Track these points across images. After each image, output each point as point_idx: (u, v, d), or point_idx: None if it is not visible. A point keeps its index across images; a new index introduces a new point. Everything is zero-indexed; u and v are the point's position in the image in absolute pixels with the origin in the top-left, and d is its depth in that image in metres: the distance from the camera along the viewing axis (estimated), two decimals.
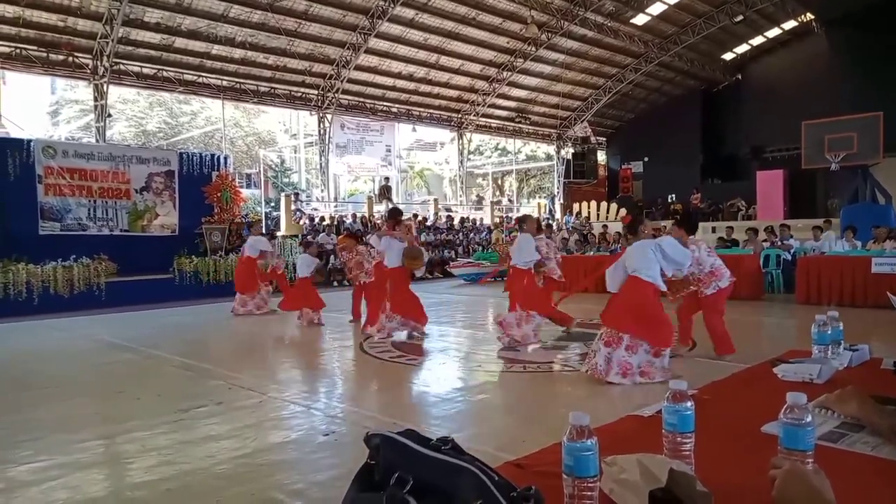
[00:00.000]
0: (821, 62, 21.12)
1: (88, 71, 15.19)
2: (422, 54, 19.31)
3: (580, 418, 1.03)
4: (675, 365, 5.76)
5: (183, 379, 5.99)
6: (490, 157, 33.76)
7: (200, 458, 3.67)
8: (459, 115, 23.20)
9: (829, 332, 2.02)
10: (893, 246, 10.66)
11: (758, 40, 22.48)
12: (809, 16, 20.80)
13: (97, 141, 15.53)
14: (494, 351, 6.79)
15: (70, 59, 14.69)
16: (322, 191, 21.23)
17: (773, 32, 22.04)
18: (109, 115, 16.32)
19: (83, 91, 22.42)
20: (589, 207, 25.17)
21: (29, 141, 12.75)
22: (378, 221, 17.86)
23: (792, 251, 11.89)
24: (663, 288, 5.41)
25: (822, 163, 17.19)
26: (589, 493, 1.02)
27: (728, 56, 23.47)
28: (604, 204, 24.83)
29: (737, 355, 5.73)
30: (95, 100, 15.74)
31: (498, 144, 32.80)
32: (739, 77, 24.14)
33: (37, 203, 12.40)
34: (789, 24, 21.50)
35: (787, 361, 2.03)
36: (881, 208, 15.62)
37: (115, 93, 19.25)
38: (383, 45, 18.33)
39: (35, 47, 14.26)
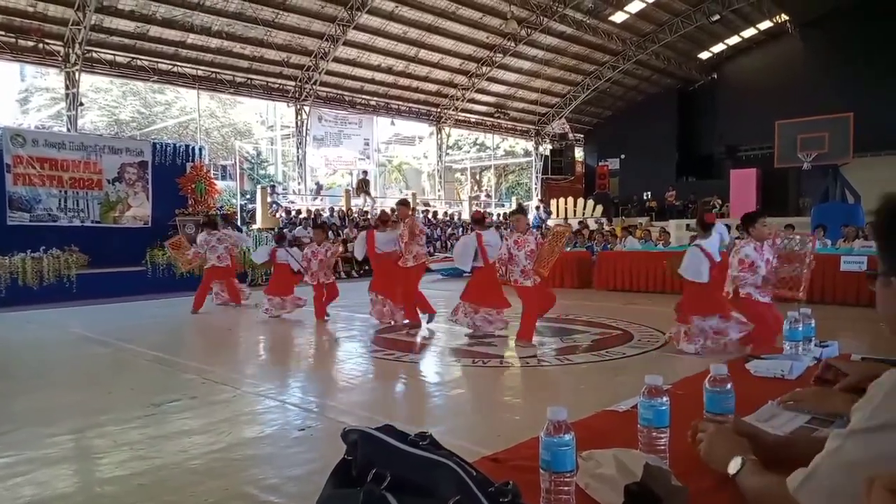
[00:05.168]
0: (794, 63, 21.48)
1: (60, 58, 14.85)
2: (401, 47, 19.23)
3: (558, 413, 1.04)
4: (650, 361, 5.83)
5: (156, 373, 5.91)
6: (468, 152, 33.76)
7: (173, 452, 3.62)
8: (438, 110, 23.16)
9: (801, 328, 2.06)
10: (862, 244, 10.89)
11: (734, 40, 22.79)
12: (784, 17, 21.13)
13: (68, 130, 15.20)
14: (470, 345, 6.81)
15: (40, 45, 14.34)
16: (299, 183, 21.08)
17: (749, 32, 22.36)
18: (81, 104, 15.98)
19: (54, 79, 21.95)
20: (566, 203, 25.29)
21: None
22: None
23: None
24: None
25: (795, 162, 17.52)
26: (565, 488, 1.02)
27: (704, 55, 23.75)
28: (581, 200, 24.98)
29: (710, 351, 5.81)
30: (67, 88, 15.40)
31: (476, 139, 32.80)
32: (715, 76, 24.46)
33: (5, 193, 12.12)
34: (764, 25, 21.82)
35: (759, 357, 2.06)
36: (851, 207, 15.95)
37: (88, 81, 18.84)
38: (362, 37, 18.21)
39: (3, 33, 13.89)
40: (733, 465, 1.07)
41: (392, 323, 8.09)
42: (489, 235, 7.37)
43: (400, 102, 22.11)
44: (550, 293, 7.49)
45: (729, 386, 1.35)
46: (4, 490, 3.14)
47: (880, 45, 18.69)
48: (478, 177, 34.56)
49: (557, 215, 23.68)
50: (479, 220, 7.66)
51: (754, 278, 5.45)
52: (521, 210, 8.24)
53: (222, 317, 9.48)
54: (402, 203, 8.53)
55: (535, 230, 8.21)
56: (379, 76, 20.38)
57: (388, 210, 8.26)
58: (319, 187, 21.69)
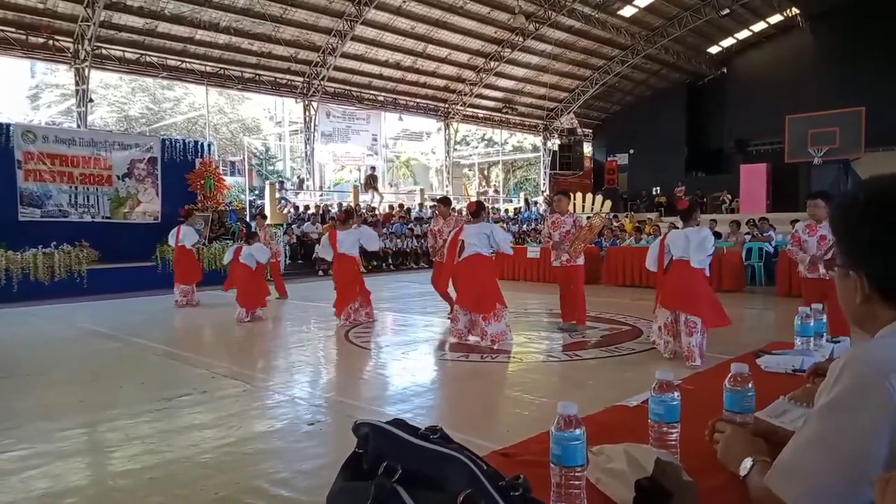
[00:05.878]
0: (805, 57, 21.29)
1: (69, 55, 14.92)
2: (409, 43, 19.19)
3: (568, 408, 1.04)
4: (660, 357, 5.80)
5: (166, 367, 5.95)
6: (477, 147, 33.71)
7: (184, 446, 3.65)
8: (446, 105, 23.12)
9: (812, 324, 2.05)
10: None
11: (743, 34, 22.60)
12: (794, 10, 20.94)
13: (78, 126, 15.28)
14: (479, 341, 6.80)
15: (50, 42, 14.41)
16: (307, 179, 21.11)
17: (759, 26, 22.16)
18: (91, 100, 16.06)
19: (64, 75, 22.08)
20: (574, 199, 25.20)
21: (8, 125, 12.51)
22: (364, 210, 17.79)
23: (774, 244, 12.01)
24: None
25: (805, 157, 17.39)
26: (576, 483, 1.02)
27: (714, 49, 23.57)
28: (589, 195, 24.90)
29: (721, 346, 5.79)
30: (77, 84, 15.49)
31: (485, 135, 32.75)
32: (725, 70, 24.27)
33: (16, 189, 12.20)
34: (775, 19, 21.63)
35: (770, 353, 2.05)
36: None
37: (97, 77, 18.91)
38: (370, 32, 18.19)
39: (14, 29, 13.97)
40: (743, 467, 1.09)
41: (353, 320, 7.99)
42: (473, 229, 6.70)
43: (408, 98, 22.07)
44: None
45: (750, 385, 1.35)
46: (19, 482, 3.17)
47: (892, 38, 18.48)
48: (486, 172, 34.52)
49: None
50: (473, 212, 7.08)
51: (801, 255, 5.61)
52: (564, 191, 8.28)
53: (230, 313, 9.50)
54: (443, 201, 8.44)
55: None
56: (387, 72, 20.35)
57: (354, 206, 7.83)
58: (301, 181, 21.54)
